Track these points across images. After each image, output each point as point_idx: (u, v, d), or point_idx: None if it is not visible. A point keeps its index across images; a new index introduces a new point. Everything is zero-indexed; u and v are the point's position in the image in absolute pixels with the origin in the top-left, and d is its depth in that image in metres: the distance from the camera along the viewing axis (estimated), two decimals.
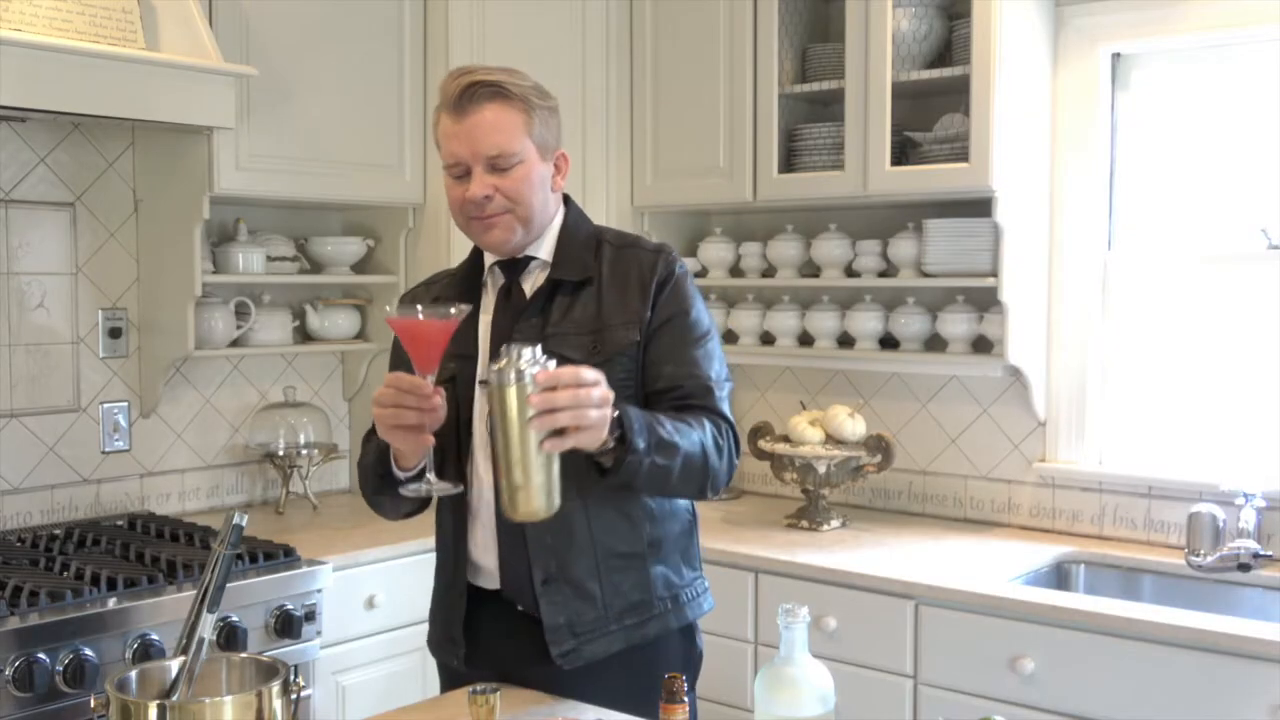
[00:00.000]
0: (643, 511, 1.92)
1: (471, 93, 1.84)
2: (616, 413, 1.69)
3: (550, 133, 1.92)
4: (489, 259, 1.99)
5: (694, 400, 1.89)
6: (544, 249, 1.95)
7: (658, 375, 1.90)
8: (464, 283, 2.00)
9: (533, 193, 1.89)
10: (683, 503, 1.99)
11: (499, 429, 1.59)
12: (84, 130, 3.03)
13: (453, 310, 1.71)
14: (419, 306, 1.75)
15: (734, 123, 3.32)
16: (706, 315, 1.97)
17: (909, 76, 3.06)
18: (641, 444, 1.72)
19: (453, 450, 1.94)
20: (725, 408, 1.92)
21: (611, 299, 1.91)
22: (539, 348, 1.61)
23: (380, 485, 1.91)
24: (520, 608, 1.91)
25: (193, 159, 2.96)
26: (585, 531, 1.88)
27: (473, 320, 1.94)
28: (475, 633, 1.96)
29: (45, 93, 2.49)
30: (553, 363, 1.63)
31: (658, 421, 1.77)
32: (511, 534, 1.88)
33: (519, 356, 1.58)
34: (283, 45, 3.06)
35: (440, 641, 2.01)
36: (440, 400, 1.74)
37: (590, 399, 1.62)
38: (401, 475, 1.85)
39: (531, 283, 1.95)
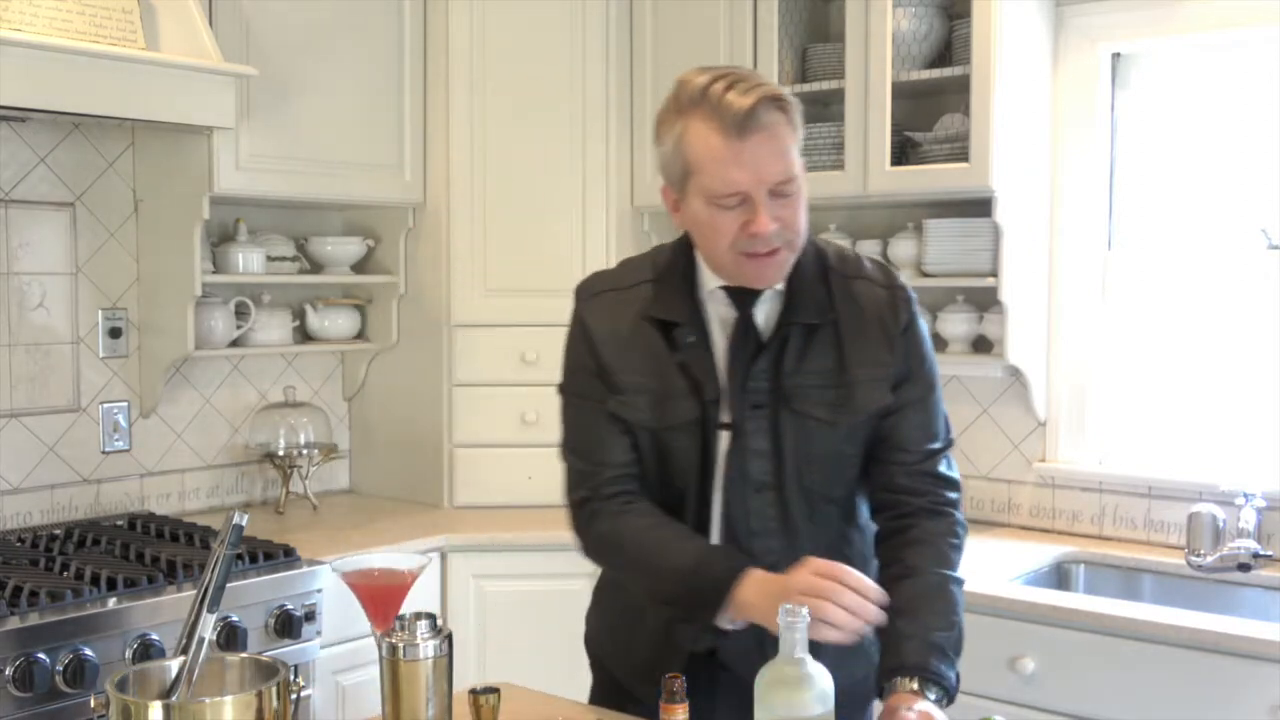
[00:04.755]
0: (864, 545, 1.83)
1: (759, 109, 1.60)
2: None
3: (801, 140, 1.69)
4: (712, 278, 1.76)
5: (928, 464, 1.79)
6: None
7: (909, 438, 1.78)
8: (676, 300, 1.76)
9: (804, 218, 1.68)
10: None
11: (388, 696, 1.53)
12: (84, 130, 3.03)
13: (411, 567, 1.62)
14: (375, 563, 1.63)
15: None
16: (934, 354, 1.83)
17: (909, 76, 3.06)
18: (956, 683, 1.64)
19: (693, 500, 1.77)
20: (949, 468, 1.81)
21: (854, 346, 1.74)
22: (435, 619, 1.53)
23: (680, 607, 1.71)
24: (730, 669, 1.74)
25: (193, 159, 2.96)
26: None
27: (706, 349, 1.75)
28: (698, 676, 1.74)
29: (45, 93, 2.49)
30: None
31: (948, 627, 1.67)
32: None
33: (417, 631, 1.52)
34: (283, 45, 3.06)
35: (639, 674, 1.83)
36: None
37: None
38: (729, 625, 1.67)
39: (764, 314, 1.75)
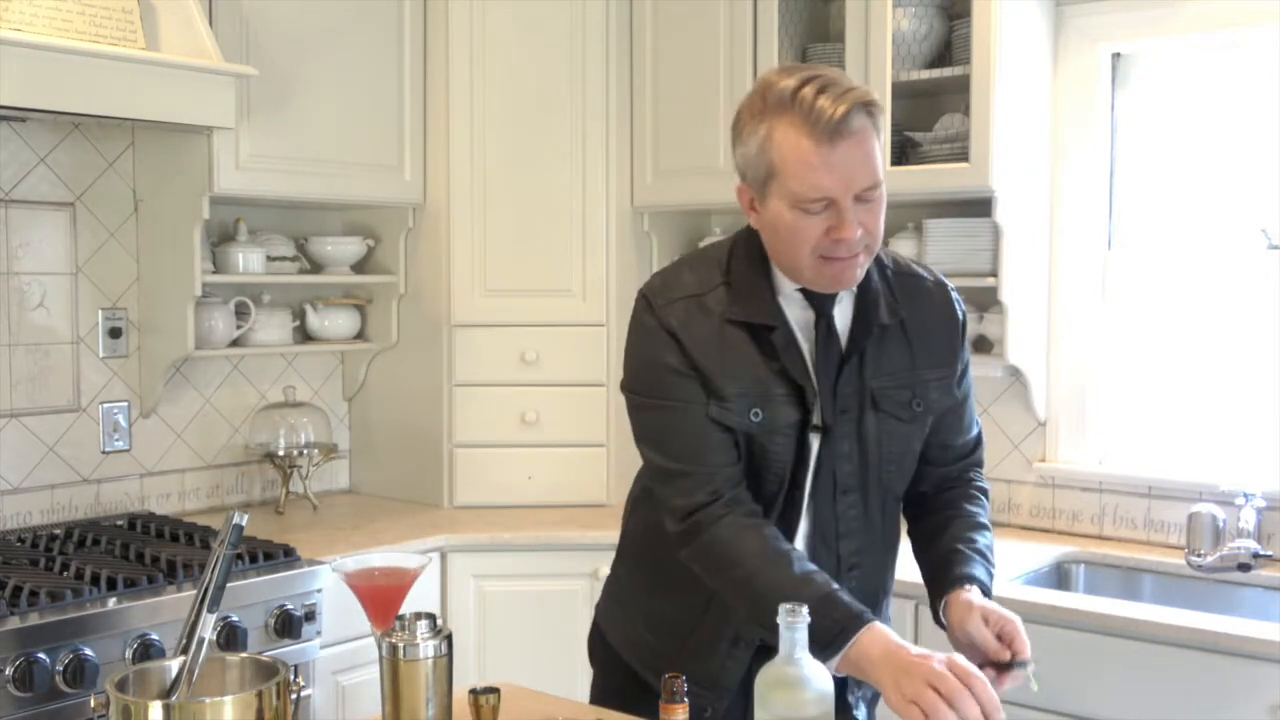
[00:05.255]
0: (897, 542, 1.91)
1: (851, 117, 1.59)
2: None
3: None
4: (787, 281, 1.74)
5: (976, 454, 1.93)
6: None
7: (957, 430, 1.88)
8: (759, 303, 1.74)
9: (883, 222, 1.69)
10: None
11: (388, 696, 1.53)
12: (84, 130, 3.03)
13: (411, 567, 1.63)
14: (375, 563, 1.64)
15: None
16: None
17: (909, 76, 3.06)
18: None
19: (782, 502, 1.77)
20: (984, 454, 1.97)
21: (921, 347, 1.78)
22: (435, 619, 1.53)
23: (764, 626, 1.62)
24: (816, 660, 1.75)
25: (193, 159, 2.96)
26: (885, 577, 1.84)
27: (799, 357, 1.73)
28: (745, 685, 1.77)
29: (45, 93, 2.49)
30: None
31: (992, 569, 1.79)
32: None
33: (417, 631, 1.52)
34: (283, 45, 3.06)
35: (705, 682, 1.81)
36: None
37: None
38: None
39: (840, 315, 1.75)
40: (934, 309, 1.82)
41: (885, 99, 3.03)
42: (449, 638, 1.54)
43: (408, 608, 1.58)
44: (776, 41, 3.22)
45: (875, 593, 1.85)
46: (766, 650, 1.75)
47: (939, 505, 1.89)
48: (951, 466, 1.90)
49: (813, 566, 1.69)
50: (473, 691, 1.64)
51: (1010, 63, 2.92)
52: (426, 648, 1.51)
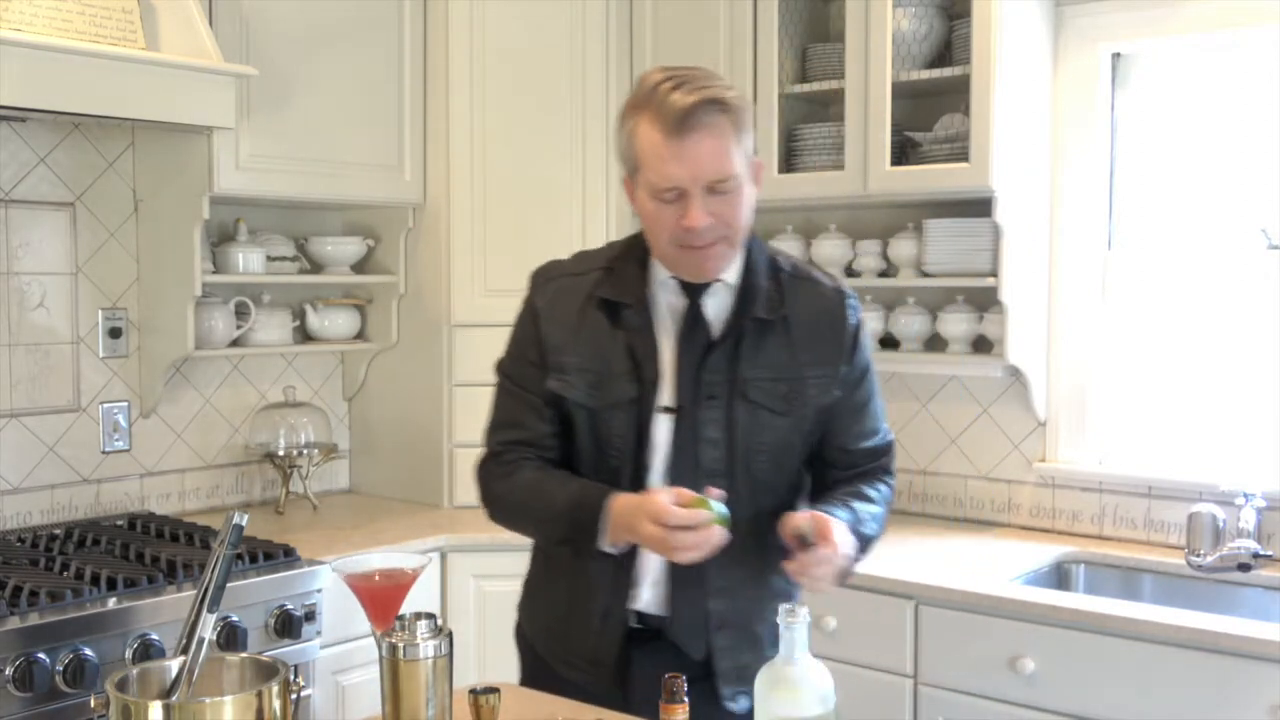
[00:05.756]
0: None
1: (698, 110, 1.68)
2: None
3: (751, 141, 1.78)
4: (663, 269, 1.83)
5: (882, 461, 1.94)
6: (731, 270, 1.82)
7: (856, 434, 1.91)
8: (627, 284, 1.83)
9: (745, 215, 1.77)
10: None
11: (388, 696, 1.53)
12: (84, 130, 3.03)
13: (411, 567, 1.65)
14: (375, 563, 1.67)
15: None
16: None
17: (909, 76, 3.06)
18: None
19: (627, 480, 1.82)
20: (892, 458, 1.98)
21: (804, 345, 1.83)
22: (435, 619, 1.54)
23: (568, 539, 1.83)
24: (682, 647, 1.83)
25: (193, 159, 2.96)
26: (760, 568, 1.84)
27: (649, 336, 1.82)
28: (624, 661, 1.85)
29: (45, 93, 2.49)
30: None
31: (860, 524, 1.81)
32: (685, 577, 1.79)
33: (417, 631, 1.53)
34: (283, 45, 3.06)
35: (573, 662, 1.90)
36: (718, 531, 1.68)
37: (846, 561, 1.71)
38: (612, 549, 1.79)
39: (714, 306, 1.83)
40: (823, 311, 1.87)
41: (885, 99, 3.03)
42: (449, 637, 1.54)
43: (408, 608, 1.58)
44: (776, 41, 3.22)
45: (755, 580, 1.86)
46: (641, 631, 1.84)
47: (859, 480, 1.93)
48: (851, 470, 1.92)
49: (568, 475, 1.85)
50: (473, 691, 1.64)
51: (1010, 63, 2.92)
52: (426, 648, 1.52)
